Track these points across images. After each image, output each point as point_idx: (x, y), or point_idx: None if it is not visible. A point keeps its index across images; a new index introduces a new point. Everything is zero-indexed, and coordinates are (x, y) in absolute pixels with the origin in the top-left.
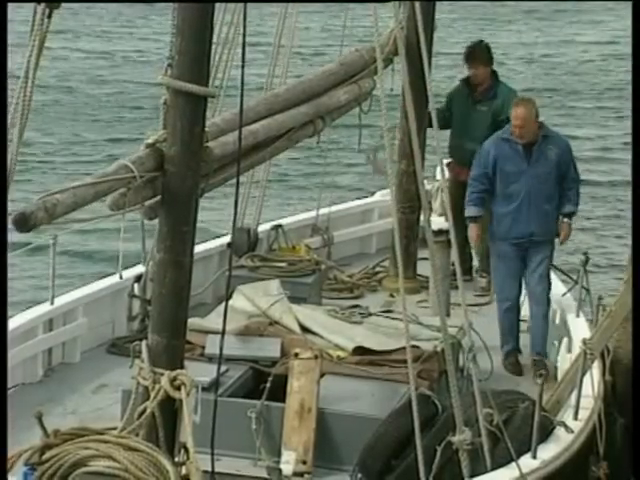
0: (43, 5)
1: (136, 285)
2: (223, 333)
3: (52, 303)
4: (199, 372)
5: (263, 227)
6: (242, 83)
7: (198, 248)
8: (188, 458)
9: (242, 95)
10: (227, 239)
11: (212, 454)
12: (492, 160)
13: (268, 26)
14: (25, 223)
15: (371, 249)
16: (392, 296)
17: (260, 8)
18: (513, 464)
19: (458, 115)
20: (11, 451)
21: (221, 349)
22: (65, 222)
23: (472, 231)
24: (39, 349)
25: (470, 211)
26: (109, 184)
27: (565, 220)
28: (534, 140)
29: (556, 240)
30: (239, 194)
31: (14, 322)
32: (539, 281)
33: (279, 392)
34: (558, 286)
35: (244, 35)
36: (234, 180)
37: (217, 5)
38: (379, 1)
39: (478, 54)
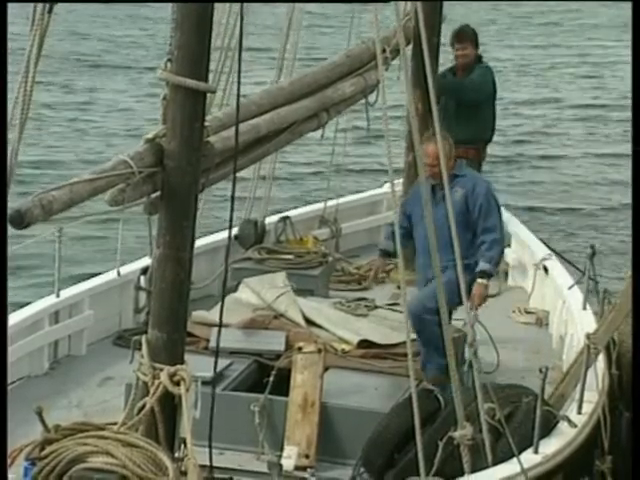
0: None
1: (142, 277)
2: (220, 326)
3: (58, 295)
4: (203, 365)
5: (271, 219)
6: (239, 79)
7: (204, 241)
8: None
9: (239, 90)
10: (234, 231)
11: (210, 448)
12: (408, 201)
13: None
14: (21, 220)
15: (379, 241)
16: (399, 288)
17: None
18: (515, 459)
19: (447, 101)
20: (14, 445)
21: (218, 343)
22: (63, 219)
23: (374, 261)
24: (45, 341)
25: (380, 244)
26: (107, 180)
27: (479, 280)
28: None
29: None
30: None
31: (20, 314)
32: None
33: (283, 386)
34: (565, 279)
35: (241, 35)
36: (238, 174)
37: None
38: (380, 1)
39: (466, 33)
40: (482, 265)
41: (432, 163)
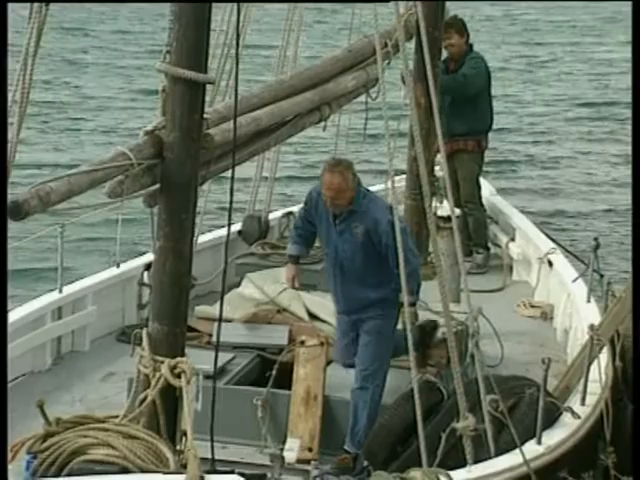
0: None
1: (146, 273)
2: (220, 321)
3: (61, 291)
4: (206, 360)
5: (274, 214)
6: (237, 73)
7: (208, 236)
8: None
9: (237, 84)
10: (238, 227)
11: (212, 441)
12: (315, 205)
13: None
14: (18, 211)
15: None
16: None
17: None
18: (517, 450)
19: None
20: (16, 439)
21: (218, 337)
22: (61, 210)
23: (288, 271)
24: (48, 337)
25: (288, 249)
26: (106, 172)
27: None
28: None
29: None
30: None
31: (23, 310)
32: (361, 361)
33: (286, 379)
34: (569, 272)
35: (237, 35)
36: (242, 165)
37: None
38: (379, 0)
39: (450, 22)
40: (409, 298)
41: (332, 196)
